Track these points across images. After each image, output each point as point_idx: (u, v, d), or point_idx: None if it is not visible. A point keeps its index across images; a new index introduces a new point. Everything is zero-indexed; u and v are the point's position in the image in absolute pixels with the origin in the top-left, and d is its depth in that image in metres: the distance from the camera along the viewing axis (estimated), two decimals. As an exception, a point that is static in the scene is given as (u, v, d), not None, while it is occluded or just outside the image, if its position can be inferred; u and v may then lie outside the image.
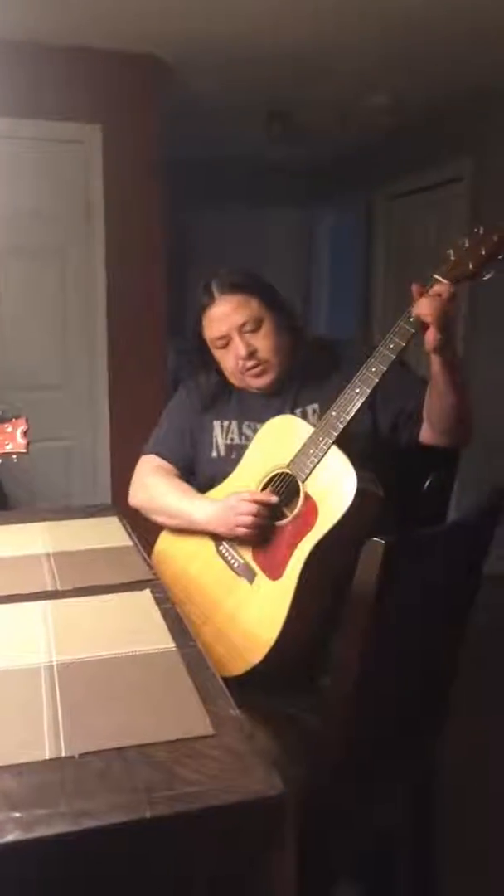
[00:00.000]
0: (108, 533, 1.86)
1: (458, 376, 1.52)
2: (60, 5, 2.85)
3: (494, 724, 2.60)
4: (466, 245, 1.46)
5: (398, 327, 1.49)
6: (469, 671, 1.65)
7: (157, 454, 1.84)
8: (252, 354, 1.69)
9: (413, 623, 1.36)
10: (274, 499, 1.59)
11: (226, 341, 1.70)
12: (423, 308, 1.43)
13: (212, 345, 1.74)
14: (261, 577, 1.58)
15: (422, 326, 1.45)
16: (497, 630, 3.09)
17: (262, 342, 1.70)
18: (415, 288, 1.46)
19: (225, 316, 1.69)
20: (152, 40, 3.21)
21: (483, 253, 1.44)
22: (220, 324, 1.70)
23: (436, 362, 1.49)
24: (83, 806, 0.85)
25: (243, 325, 1.69)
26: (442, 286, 1.45)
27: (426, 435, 1.63)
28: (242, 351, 1.68)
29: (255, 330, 1.69)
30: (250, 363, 1.69)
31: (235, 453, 1.74)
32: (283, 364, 1.72)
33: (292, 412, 1.71)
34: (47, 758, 0.93)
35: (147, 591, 1.46)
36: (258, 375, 1.71)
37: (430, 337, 1.44)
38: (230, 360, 1.72)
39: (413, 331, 1.47)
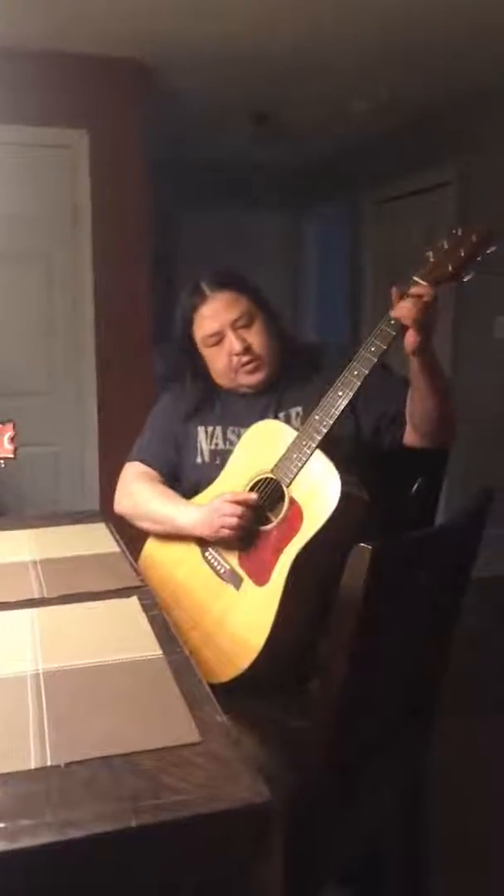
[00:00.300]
0: (95, 539, 1.86)
1: (439, 378, 1.53)
2: (43, 10, 2.84)
3: (481, 726, 2.61)
4: (445, 247, 1.47)
5: (379, 330, 1.49)
6: (458, 673, 1.66)
7: (142, 461, 1.84)
8: (247, 350, 1.69)
9: (401, 627, 1.36)
10: (254, 497, 1.59)
11: (218, 338, 1.70)
12: (402, 310, 1.44)
13: (203, 343, 1.73)
14: (247, 582, 1.58)
15: (402, 328, 1.46)
16: (485, 634, 3.10)
17: (256, 338, 1.70)
18: (394, 291, 1.47)
19: (217, 312, 1.69)
20: (137, 44, 3.21)
21: (462, 254, 1.45)
22: (212, 321, 1.70)
23: (416, 364, 1.50)
24: (69, 816, 0.84)
25: (236, 320, 1.69)
26: (421, 288, 1.45)
27: (409, 437, 1.64)
28: (237, 346, 1.68)
29: (248, 325, 1.70)
30: (245, 358, 1.69)
31: (220, 459, 1.73)
32: (273, 364, 1.73)
33: (276, 416, 1.71)
34: (32, 767, 0.93)
35: (134, 598, 1.46)
36: (252, 372, 1.71)
37: (410, 339, 1.45)
38: (222, 359, 1.72)
39: (394, 333, 1.48)
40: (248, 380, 1.73)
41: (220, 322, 1.69)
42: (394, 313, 1.46)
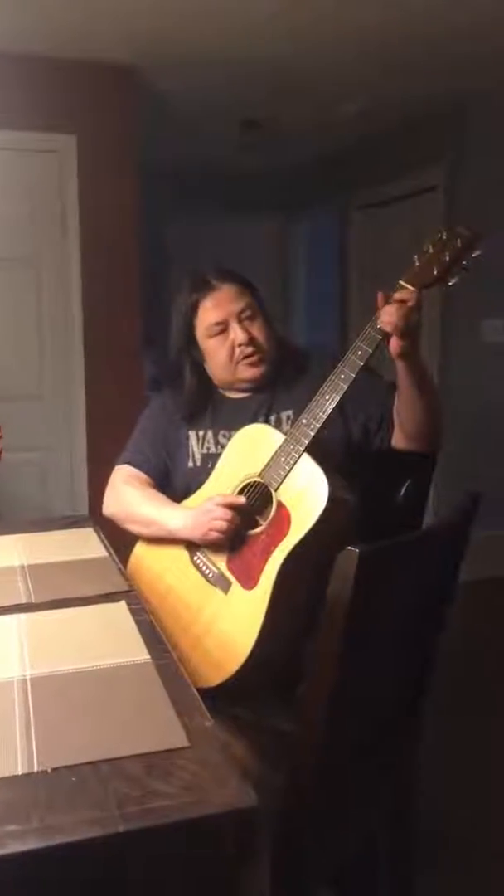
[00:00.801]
0: (84, 544, 1.85)
1: (426, 382, 1.54)
2: (32, 15, 2.84)
3: (465, 726, 2.62)
4: (431, 251, 1.47)
5: (365, 334, 1.50)
6: (446, 676, 1.67)
7: (131, 464, 1.84)
8: (251, 341, 1.69)
9: (388, 630, 1.37)
10: (243, 500, 1.59)
11: (221, 328, 1.71)
12: (387, 315, 1.45)
13: (205, 334, 1.73)
14: (235, 586, 1.58)
15: (388, 332, 1.46)
16: (470, 634, 3.11)
17: (259, 332, 1.71)
18: (379, 295, 1.47)
19: (223, 302, 1.71)
20: (126, 48, 3.21)
21: (447, 258, 1.46)
22: (217, 310, 1.71)
23: (402, 369, 1.50)
24: (56, 821, 0.84)
25: (242, 311, 1.70)
26: (406, 292, 1.46)
27: (397, 440, 1.64)
28: (242, 337, 1.69)
29: (252, 319, 1.71)
30: (249, 350, 1.70)
31: (211, 463, 1.73)
32: (271, 362, 1.73)
33: (267, 420, 1.72)
34: (19, 773, 0.93)
35: (122, 603, 1.46)
36: (254, 365, 1.72)
37: (394, 344, 1.45)
38: (224, 351, 1.72)
39: (380, 337, 1.48)
40: (249, 373, 1.73)
41: (225, 312, 1.70)
42: (378, 320, 1.46)
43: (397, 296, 1.46)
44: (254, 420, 1.71)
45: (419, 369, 1.52)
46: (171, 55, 3.25)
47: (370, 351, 1.49)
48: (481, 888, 1.91)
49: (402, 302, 1.44)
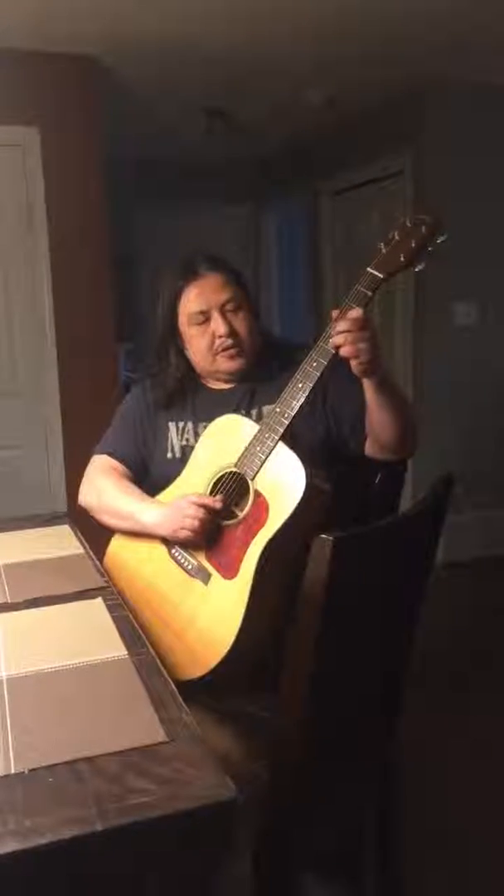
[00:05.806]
0: (60, 541, 1.84)
1: (395, 397, 1.53)
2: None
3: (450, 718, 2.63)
4: (397, 238, 1.47)
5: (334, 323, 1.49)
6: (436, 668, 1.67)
7: (109, 454, 1.82)
8: (231, 334, 1.68)
9: (366, 616, 1.37)
10: (218, 504, 1.58)
11: (204, 317, 1.69)
12: (339, 341, 1.44)
13: (188, 321, 1.71)
14: (215, 577, 1.57)
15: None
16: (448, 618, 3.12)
17: (241, 325, 1.69)
18: (333, 314, 1.46)
19: (207, 291, 1.68)
20: (87, 41, 3.19)
21: (413, 244, 1.45)
22: (202, 299, 1.68)
23: (368, 385, 1.50)
24: (33, 823, 0.83)
25: (226, 302, 1.68)
26: (355, 312, 1.44)
27: (371, 450, 1.64)
28: (223, 328, 1.67)
29: (235, 311, 1.69)
30: (228, 342, 1.68)
31: (191, 454, 1.72)
32: (250, 356, 1.72)
33: (248, 413, 1.70)
34: (-3, 775, 0.92)
35: (99, 599, 1.45)
36: (232, 357, 1.70)
37: (354, 365, 1.45)
38: (204, 341, 1.70)
39: None
40: (228, 365, 1.71)
41: (209, 302, 1.68)
42: (331, 342, 1.45)
43: (350, 316, 1.44)
44: (235, 413, 1.70)
45: (387, 385, 1.51)
46: (133, 45, 3.22)
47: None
48: (465, 876, 1.93)
49: (353, 320, 1.43)
